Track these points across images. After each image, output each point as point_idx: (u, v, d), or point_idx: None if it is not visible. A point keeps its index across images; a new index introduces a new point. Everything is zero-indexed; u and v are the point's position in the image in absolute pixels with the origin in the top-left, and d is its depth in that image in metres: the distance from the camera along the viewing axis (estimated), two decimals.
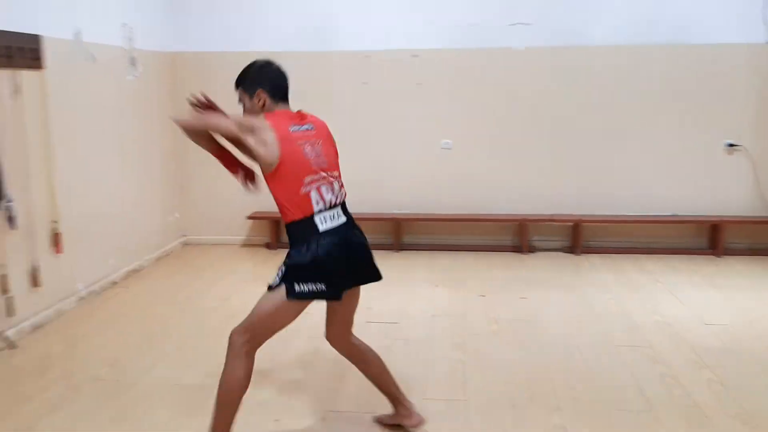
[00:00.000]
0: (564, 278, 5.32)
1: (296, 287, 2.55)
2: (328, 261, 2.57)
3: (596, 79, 5.94)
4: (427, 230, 6.37)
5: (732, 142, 5.92)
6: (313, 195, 2.58)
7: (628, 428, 2.96)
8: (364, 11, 6.01)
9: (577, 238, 6.03)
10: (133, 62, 5.43)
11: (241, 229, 6.48)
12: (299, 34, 6.09)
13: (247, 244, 6.46)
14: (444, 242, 6.33)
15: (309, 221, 2.57)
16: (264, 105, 2.70)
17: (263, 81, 2.73)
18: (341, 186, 2.71)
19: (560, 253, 6.09)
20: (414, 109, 6.16)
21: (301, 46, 6.09)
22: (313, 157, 2.61)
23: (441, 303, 4.72)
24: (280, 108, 2.71)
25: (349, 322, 2.92)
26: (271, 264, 5.78)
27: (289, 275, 2.57)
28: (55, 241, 4.39)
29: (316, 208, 2.58)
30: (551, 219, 6.02)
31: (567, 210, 6.13)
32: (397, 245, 6.22)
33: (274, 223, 6.29)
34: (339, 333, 2.92)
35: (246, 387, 2.63)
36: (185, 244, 6.48)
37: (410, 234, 6.38)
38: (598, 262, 5.79)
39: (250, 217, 6.29)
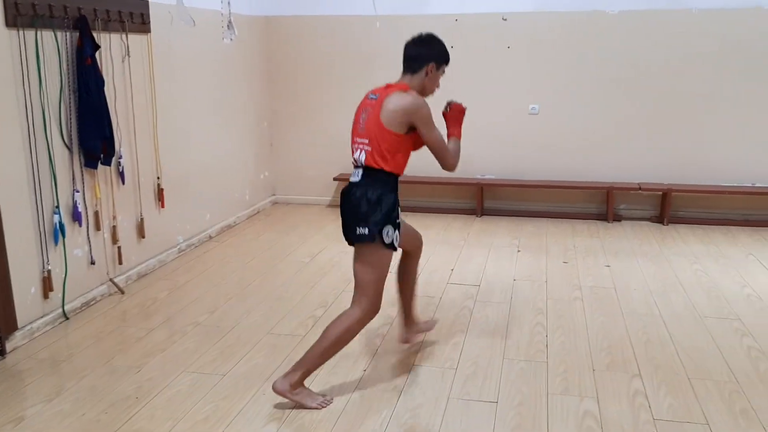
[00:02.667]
0: (650, 248, 5.25)
1: None
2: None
3: (690, 44, 5.72)
4: (511, 196, 6.38)
5: None
6: (355, 154, 2.94)
7: (710, 398, 2.96)
8: None
9: (666, 207, 5.89)
10: (229, 26, 5.64)
11: (328, 190, 6.67)
12: None
13: (333, 205, 6.66)
14: (527, 208, 6.33)
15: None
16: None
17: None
18: (368, 152, 2.87)
19: (647, 223, 5.98)
20: (502, 73, 6.12)
21: (392, 10, 6.14)
22: (360, 123, 2.91)
23: (523, 268, 4.76)
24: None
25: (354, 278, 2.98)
26: None
27: None
28: (159, 196, 4.69)
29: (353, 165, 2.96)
30: (639, 187, 5.90)
31: (656, 178, 6.00)
32: (480, 210, 6.27)
33: None
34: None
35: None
36: (275, 203, 6.75)
37: (493, 199, 6.41)
38: (687, 232, 5.66)
39: (336, 179, 6.47)
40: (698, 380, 3.12)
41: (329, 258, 4.99)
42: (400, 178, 2.98)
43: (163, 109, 4.73)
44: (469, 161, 6.30)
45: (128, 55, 4.31)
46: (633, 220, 6.06)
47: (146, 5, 4.44)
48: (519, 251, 5.16)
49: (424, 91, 2.98)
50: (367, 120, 2.88)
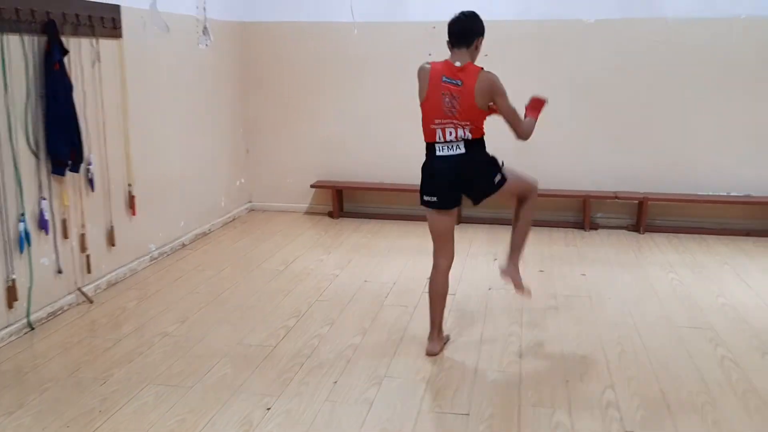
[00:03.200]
0: (626, 256, 5.25)
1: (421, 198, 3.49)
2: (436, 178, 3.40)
3: (666, 52, 5.75)
4: (488, 204, 6.33)
5: None
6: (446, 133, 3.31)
7: (682, 409, 2.95)
8: None
9: (642, 216, 5.90)
10: (205, 31, 5.58)
11: (305, 197, 6.62)
12: (369, 5, 6.11)
13: (311, 212, 6.61)
14: (504, 216, 6.29)
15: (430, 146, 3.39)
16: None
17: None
18: (470, 129, 3.30)
19: (623, 231, 5.99)
20: None
21: (370, 17, 6.12)
22: (446, 107, 3.27)
23: (499, 277, 4.72)
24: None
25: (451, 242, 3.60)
26: (333, 232, 5.93)
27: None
28: (130, 203, 4.62)
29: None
30: (615, 196, 5.91)
31: (632, 187, 6.01)
32: (458, 219, 6.24)
33: (337, 192, 6.40)
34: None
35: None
36: (251, 210, 6.69)
37: (470, 208, 6.37)
38: (662, 241, 5.67)
39: (313, 186, 6.42)
40: (671, 392, 3.10)
41: (304, 266, 4.94)
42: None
43: (136, 115, 4.66)
44: None
45: (99, 60, 4.24)
46: (610, 228, 6.06)
47: (117, 10, 4.37)
48: (495, 259, 5.14)
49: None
50: (460, 104, 3.24)
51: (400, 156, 6.35)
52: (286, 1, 6.27)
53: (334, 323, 3.88)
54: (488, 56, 5.98)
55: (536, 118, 3.52)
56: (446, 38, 3.36)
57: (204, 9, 5.52)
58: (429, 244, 3.64)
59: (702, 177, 5.91)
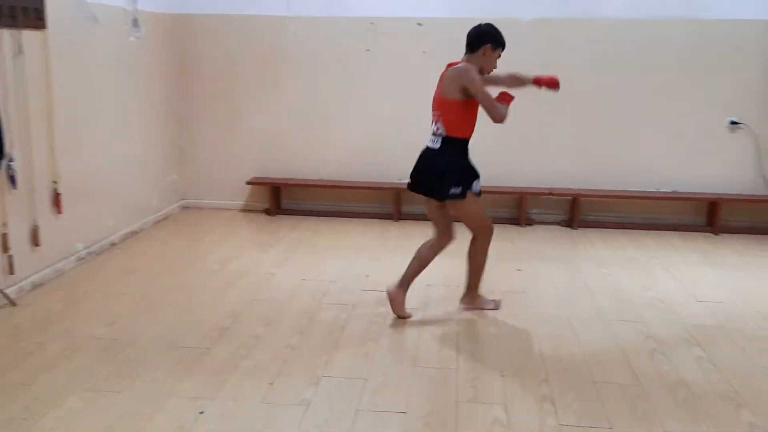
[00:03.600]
0: (560, 252, 5.36)
1: None
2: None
3: (598, 52, 5.90)
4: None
5: (735, 120, 5.90)
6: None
7: (614, 401, 3.02)
8: None
9: (575, 212, 6.04)
10: (135, 23, 5.39)
11: (241, 195, 6.50)
12: None
13: (247, 210, 6.50)
14: None
15: None
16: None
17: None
18: (437, 122, 3.66)
19: (558, 227, 6.11)
20: (419, 78, 6.12)
21: (307, 11, 6.04)
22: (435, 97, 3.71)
23: (436, 273, 4.73)
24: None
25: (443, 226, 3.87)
26: (270, 230, 5.84)
27: None
28: (56, 201, 4.42)
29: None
30: (550, 192, 6.03)
31: (566, 184, 6.14)
32: (398, 215, 6.25)
33: (275, 189, 6.31)
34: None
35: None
36: (184, 208, 6.52)
37: (411, 204, 6.41)
38: (595, 236, 5.82)
39: (249, 183, 6.31)
40: (603, 384, 3.18)
41: (240, 265, 4.84)
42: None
43: (63, 110, 4.46)
44: (387, 165, 6.28)
45: (21, 52, 4.03)
46: (545, 224, 6.18)
47: (40, 1, 4.16)
48: None
49: (483, 69, 3.69)
50: (435, 94, 3.68)
51: (338, 152, 6.31)
52: None
53: (271, 323, 3.81)
54: (427, 53, 6.06)
55: (508, 105, 3.69)
56: None
57: (133, 0, 5.33)
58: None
59: (632, 174, 6.09)
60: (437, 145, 3.64)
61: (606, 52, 5.88)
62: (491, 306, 4.05)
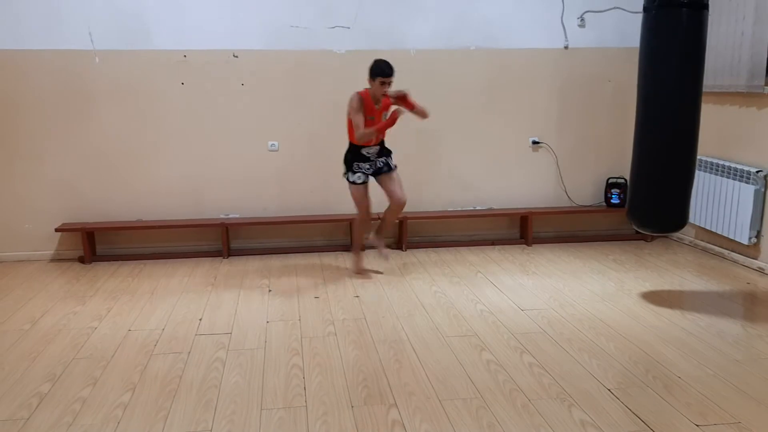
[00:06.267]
0: (393, 274, 5.48)
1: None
2: None
3: (414, 81, 6.14)
4: (257, 234, 6.26)
5: (536, 139, 6.45)
6: None
7: (460, 417, 3.11)
8: (178, 8, 5.75)
9: (403, 234, 6.23)
10: None
11: (50, 243, 5.94)
12: (108, 32, 5.69)
13: (58, 259, 5.94)
14: (274, 245, 6.26)
15: None
16: None
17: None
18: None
19: (388, 250, 6.24)
20: (238, 110, 6.01)
21: (112, 44, 5.70)
22: None
23: (275, 308, 4.65)
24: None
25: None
26: (86, 279, 5.38)
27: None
28: None
29: None
30: (378, 217, 6.15)
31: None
32: (227, 251, 6.04)
33: (88, 234, 5.83)
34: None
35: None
36: None
37: (239, 239, 6.23)
38: (423, 256, 6.03)
39: (58, 230, 5.78)
40: (448, 401, 3.26)
41: (55, 321, 4.39)
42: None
43: None
44: (211, 201, 6.07)
45: None
46: (375, 248, 6.28)
47: None
48: (270, 290, 5.04)
49: (374, 94, 4.95)
50: None
51: (156, 190, 5.99)
52: (7, 25, 5.58)
53: (97, 382, 3.48)
54: (245, 85, 5.96)
55: (377, 131, 4.94)
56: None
57: None
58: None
59: (451, 194, 6.42)
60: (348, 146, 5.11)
61: (415, 82, 6.14)
62: (384, 253, 5.54)
